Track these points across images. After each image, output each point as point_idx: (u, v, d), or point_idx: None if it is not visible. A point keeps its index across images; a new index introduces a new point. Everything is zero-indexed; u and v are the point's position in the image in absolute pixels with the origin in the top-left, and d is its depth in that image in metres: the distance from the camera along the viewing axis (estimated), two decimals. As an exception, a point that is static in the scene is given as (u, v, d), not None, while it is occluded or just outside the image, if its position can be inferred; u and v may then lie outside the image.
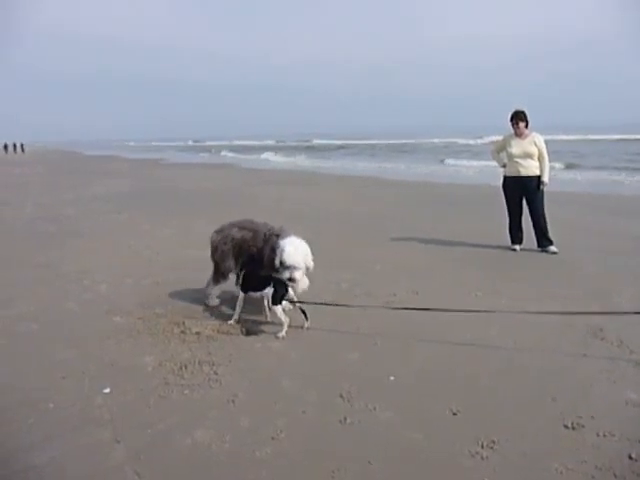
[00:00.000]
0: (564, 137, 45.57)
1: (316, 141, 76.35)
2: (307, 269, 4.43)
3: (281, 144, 72.51)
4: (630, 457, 2.58)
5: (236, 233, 4.74)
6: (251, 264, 4.55)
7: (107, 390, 3.41)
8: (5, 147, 60.60)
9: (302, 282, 4.47)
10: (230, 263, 4.75)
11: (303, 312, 4.31)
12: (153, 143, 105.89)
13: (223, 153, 50.27)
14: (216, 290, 4.92)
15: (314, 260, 4.48)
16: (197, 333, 4.29)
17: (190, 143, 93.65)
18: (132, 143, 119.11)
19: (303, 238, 4.51)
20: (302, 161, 34.42)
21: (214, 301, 4.95)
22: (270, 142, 77.71)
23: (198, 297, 5.19)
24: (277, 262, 4.34)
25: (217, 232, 4.89)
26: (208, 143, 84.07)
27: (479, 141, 49.93)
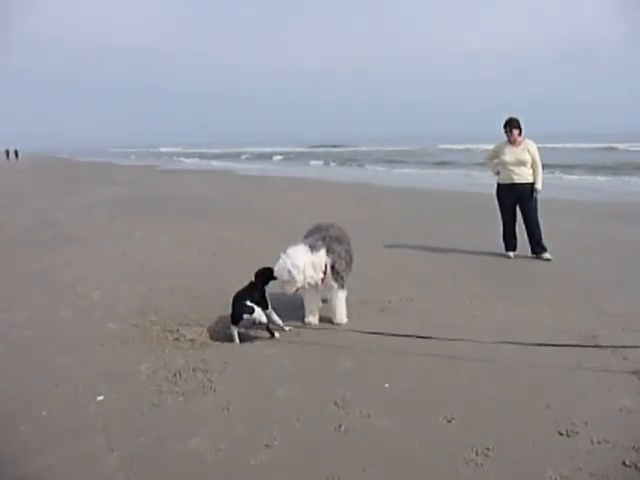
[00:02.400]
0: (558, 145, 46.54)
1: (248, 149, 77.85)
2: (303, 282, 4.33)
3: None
4: (624, 464, 2.58)
5: None
6: None
7: (101, 397, 3.39)
8: (7, 153, 60.18)
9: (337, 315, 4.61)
10: None
11: (270, 331, 4.33)
12: (129, 149, 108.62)
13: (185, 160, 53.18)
14: None
15: None
16: (191, 340, 4.27)
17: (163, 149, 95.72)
18: (115, 149, 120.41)
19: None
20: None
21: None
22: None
23: (192, 304, 5.18)
24: None
25: None
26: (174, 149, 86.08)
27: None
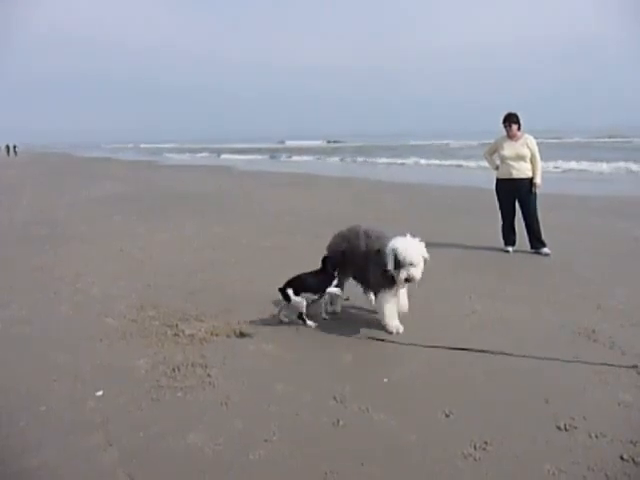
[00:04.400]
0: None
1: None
2: None
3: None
4: (622, 458, 2.59)
5: None
6: None
7: (100, 393, 3.39)
8: (7, 148, 59.71)
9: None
10: None
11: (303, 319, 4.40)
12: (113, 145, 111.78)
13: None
14: None
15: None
16: (190, 335, 4.27)
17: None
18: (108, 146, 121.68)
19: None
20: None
21: None
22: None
23: (191, 299, 5.18)
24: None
25: None
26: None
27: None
